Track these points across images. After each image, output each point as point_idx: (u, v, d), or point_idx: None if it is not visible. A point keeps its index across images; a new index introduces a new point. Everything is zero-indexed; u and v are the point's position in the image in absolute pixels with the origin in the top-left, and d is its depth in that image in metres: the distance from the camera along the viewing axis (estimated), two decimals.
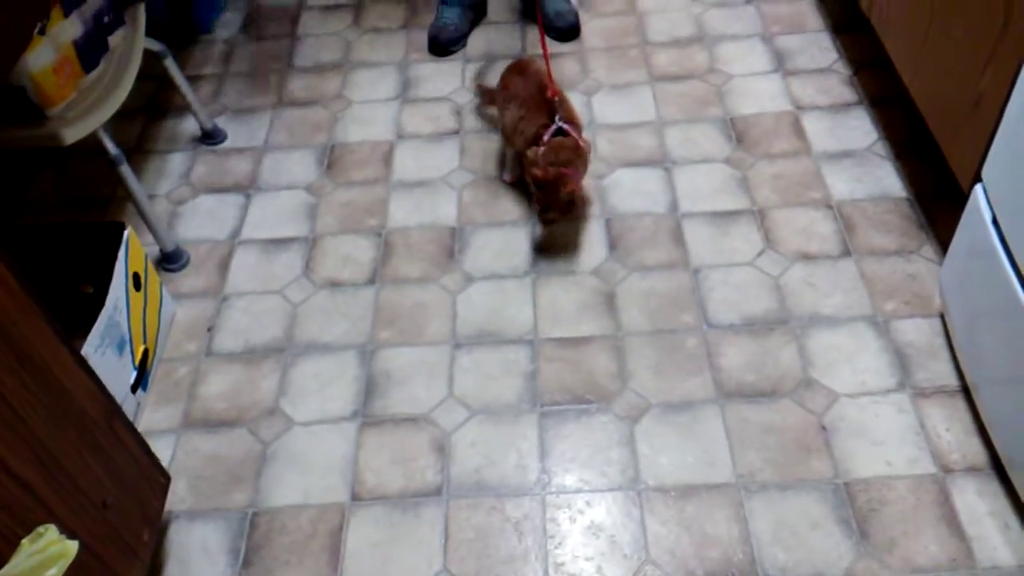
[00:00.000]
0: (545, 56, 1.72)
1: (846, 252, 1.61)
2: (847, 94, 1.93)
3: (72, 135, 1.39)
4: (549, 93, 1.64)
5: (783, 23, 2.13)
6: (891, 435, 1.34)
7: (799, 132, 1.85)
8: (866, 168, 1.76)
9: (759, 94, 1.95)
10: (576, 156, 1.59)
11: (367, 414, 1.44)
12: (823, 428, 1.36)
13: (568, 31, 2.17)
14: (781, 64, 2.02)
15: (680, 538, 1.26)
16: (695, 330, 1.51)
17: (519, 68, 1.76)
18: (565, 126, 1.60)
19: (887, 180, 1.73)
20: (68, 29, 1.37)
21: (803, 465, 1.32)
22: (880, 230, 1.64)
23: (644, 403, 1.42)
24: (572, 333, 1.53)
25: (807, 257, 1.61)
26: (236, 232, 1.76)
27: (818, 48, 2.06)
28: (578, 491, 1.32)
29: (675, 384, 1.44)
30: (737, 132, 1.87)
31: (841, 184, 1.73)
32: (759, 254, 1.62)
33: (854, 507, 1.26)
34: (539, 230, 1.70)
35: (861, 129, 1.84)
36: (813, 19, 2.14)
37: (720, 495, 1.30)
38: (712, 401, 1.41)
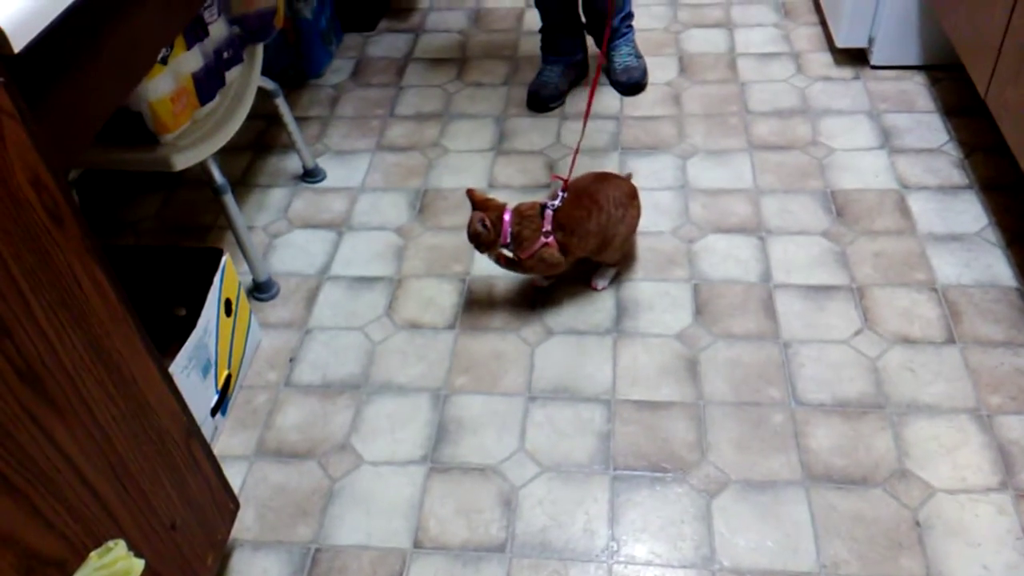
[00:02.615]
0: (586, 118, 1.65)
1: (950, 339, 1.52)
2: (957, 176, 1.85)
3: (182, 162, 1.45)
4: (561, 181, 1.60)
5: (891, 101, 2.08)
6: (990, 537, 1.24)
7: (904, 211, 1.78)
8: (975, 253, 1.68)
9: (862, 170, 1.89)
10: (531, 232, 1.54)
11: (436, 460, 1.42)
12: (917, 524, 1.27)
13: (632, 87, 2.19)
14: (887, 141, 1.96)
15: None
16: (782, 406, 1.45)
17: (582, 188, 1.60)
18: (551, 207, 1.54)
19: (996, 267, 1.64)
20: (189, 61, 1.43)
21: (892, 561, 1.23)
22: (988, 319, 1.55)
23: (723, 477, 1.36)
24: (651, 396, 1.48)
25: (908, 341, 1.53)
26: (325, 268, 1.79)
27: (928, 128, 1.99)
28: (648, 563, 1.26)
29: (757, 460, 1.37)
30: (837, 206, 1.81)
31: (947, 267, 1.65)
32: (856, 333, 1.55)
33: None
34: (620, 289, 1.67)
35: (971, 213, 1.76)
36: (923, 99, 2.07)
37: None
38: (797, 483, 1.34)
